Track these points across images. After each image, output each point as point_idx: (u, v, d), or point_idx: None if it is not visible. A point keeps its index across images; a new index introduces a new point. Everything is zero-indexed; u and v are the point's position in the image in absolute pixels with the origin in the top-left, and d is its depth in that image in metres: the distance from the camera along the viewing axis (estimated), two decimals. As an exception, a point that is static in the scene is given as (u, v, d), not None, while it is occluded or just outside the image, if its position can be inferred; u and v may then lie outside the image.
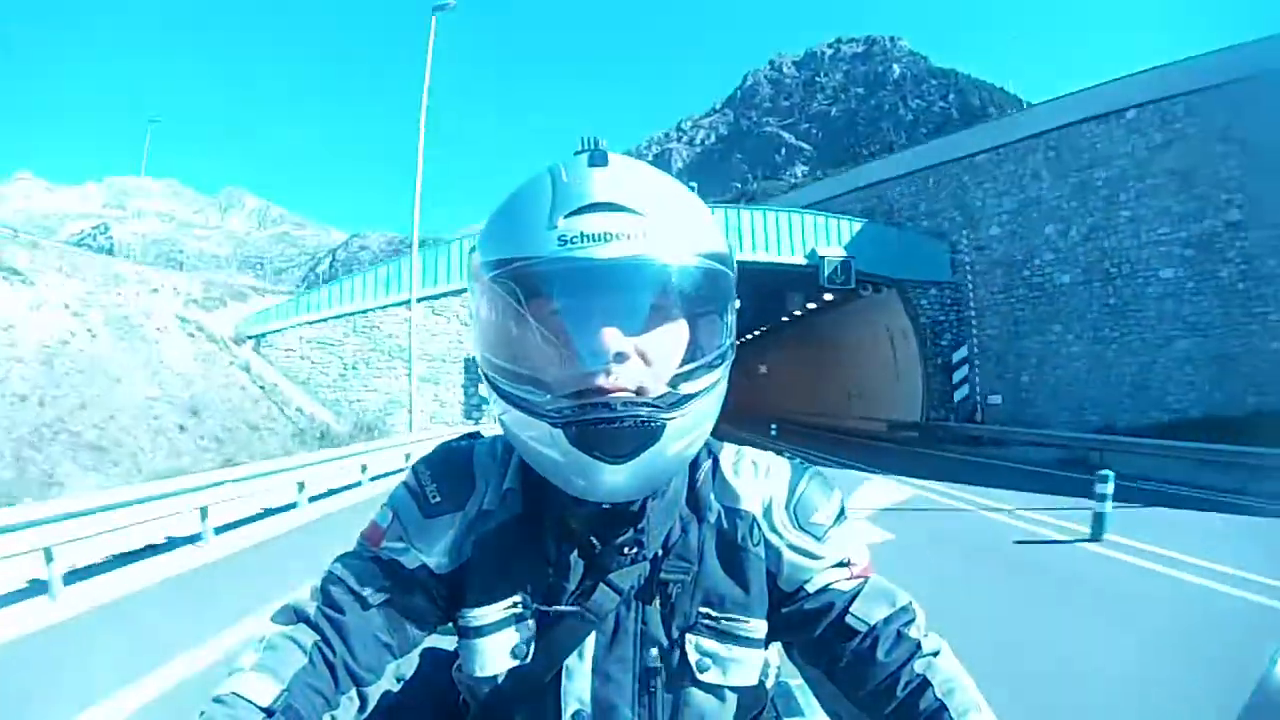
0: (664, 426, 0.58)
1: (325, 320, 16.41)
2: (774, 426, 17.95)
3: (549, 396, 0.59)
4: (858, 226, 17.90)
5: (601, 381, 0.57)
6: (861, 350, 21.59)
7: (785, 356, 27.66)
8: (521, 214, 0.60)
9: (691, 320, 0.62)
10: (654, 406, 0.58)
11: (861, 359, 21.76)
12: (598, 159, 0.61)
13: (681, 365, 0.61)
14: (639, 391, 0.58)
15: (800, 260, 17.37)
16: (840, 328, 22.11)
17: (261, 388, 14.82)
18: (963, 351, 17.60)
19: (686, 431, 0.61)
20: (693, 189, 0.67)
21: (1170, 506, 7.99)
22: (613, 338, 0.57)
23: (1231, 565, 5.08)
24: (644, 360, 0.59)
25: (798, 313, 21.89)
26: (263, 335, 16.38)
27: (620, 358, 0.57)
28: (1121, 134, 15.59)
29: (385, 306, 16.55)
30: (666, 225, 0.59)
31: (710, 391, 0.62)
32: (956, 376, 17.53)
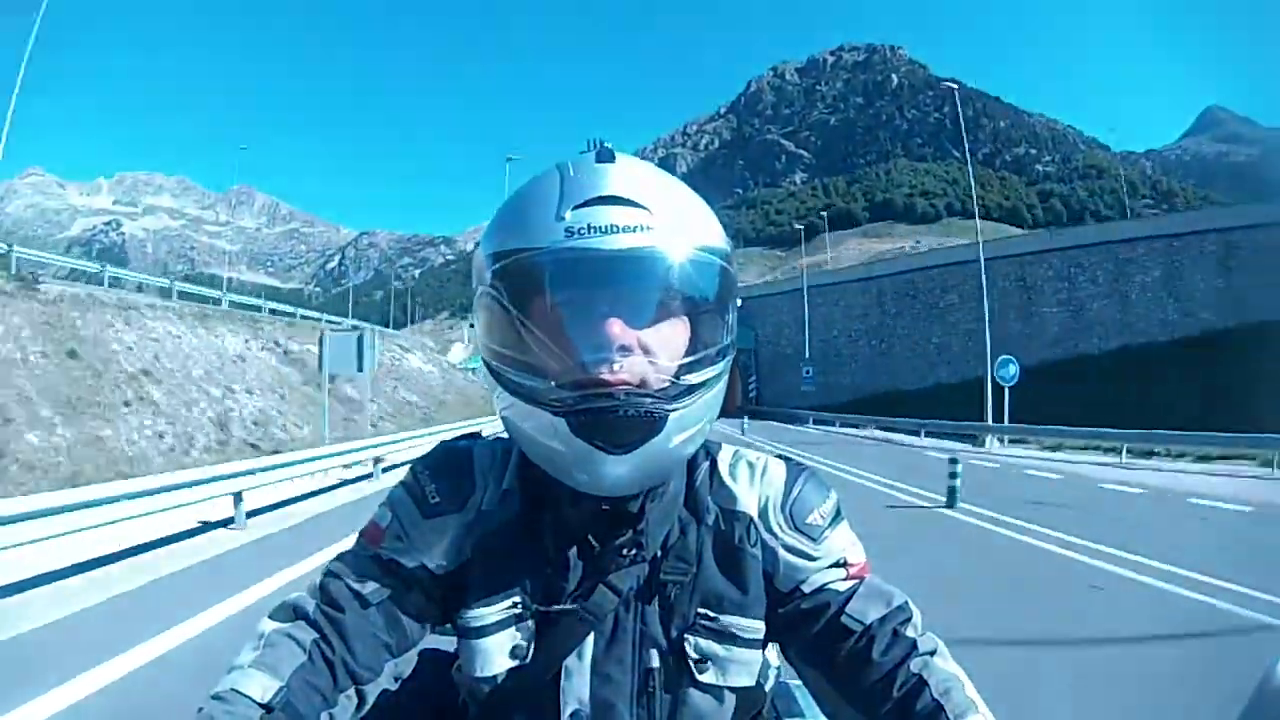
0: (666, 418, 0.59)
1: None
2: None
3: (552, 384, 0.59)
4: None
5: (605, 374, 0.57)
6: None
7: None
8: (529, 207, 0.61)
9: (695, 315, 0.62)
10: (656, 398, 0.58)
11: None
12: (605, 156, 0.62)
13: (684, 358, 0.61)
14: (641, 384, 0.58)
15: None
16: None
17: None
18: (753, 378, 45.32)
19: (688, 424, 0.61)
20: None
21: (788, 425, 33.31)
22: (618, 330, 0.57)
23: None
24: (647, 353, 0.59)
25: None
26: (472, 369, 42.43)
27: (624, 351, 0.57)
28: (820, 299, 41.49)
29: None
30: (673, 220, 0.60)
31: (712, 386, 0.63)
32: (750, 389, 44.95)
